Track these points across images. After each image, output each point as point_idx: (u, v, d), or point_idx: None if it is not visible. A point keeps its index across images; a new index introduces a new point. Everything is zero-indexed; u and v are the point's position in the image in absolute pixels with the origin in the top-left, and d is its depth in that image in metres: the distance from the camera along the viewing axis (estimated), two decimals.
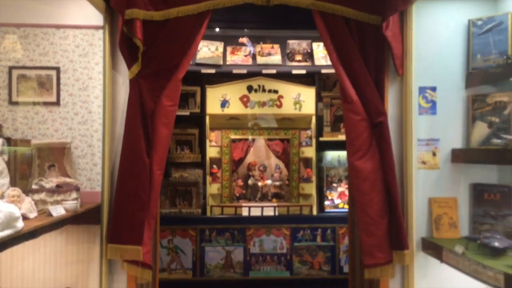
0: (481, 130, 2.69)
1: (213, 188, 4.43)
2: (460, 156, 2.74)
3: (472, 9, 2.80)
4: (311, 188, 4.40)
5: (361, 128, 2.68)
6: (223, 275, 4.17)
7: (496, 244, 2.28)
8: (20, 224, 1.86)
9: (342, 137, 4.10)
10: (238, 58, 4.45)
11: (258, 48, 4.51)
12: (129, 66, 2.66)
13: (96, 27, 2.80)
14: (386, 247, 2.67)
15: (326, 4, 2.66)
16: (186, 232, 4.17)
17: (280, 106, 4.35)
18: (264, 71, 4.36)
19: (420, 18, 2.75)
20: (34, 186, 2.44)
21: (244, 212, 4.27)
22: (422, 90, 2.80)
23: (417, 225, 2.75)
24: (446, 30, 2.81)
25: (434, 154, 2.80)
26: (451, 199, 2.78)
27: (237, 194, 4.58)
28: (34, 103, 2.80)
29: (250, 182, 4.62)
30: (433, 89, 2.81)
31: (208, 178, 4.41)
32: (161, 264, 4.08)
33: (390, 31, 2.65)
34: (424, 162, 2.80)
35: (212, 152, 4.48)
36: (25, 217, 2.07)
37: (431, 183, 2.80)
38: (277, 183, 4.62)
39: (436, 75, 2.80)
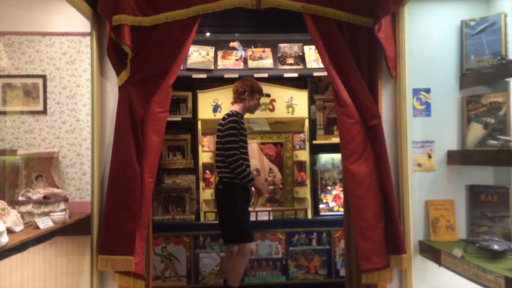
0: (476, 131, 2.66)
1: (206, 194, 4.37)
2: (456, 158, 2.71)
3: (465, 10, 2.78)
4: (305, 192, 4.36)
5: (355, 132, 2.65)
6: (218, 282, 4.10)
7: (496, 246, 2.25)
8: (4, 239, 1.80)
9: (335, 139, 4.07)
10: (229, 62, 4.41)
11: (250, 52, 4.46)
12: (118, 73, 2.61)
13: (83, 34, 2.74)
14: (383, 251, 2.64)
15: (317, 7, 2.63)
16: (180, 239, 4.10)
17: (272, 110, 4.31)
18: (255, 75, 4.30)
19: (412, 19, 2.72)
20: (20, 198, 2.37)
21: None
22: (416, 92, 2.77)
23: (414, 228, 2.72)
24: (439, 31, 2.79)
25: (429, 156, 2.77)
26: (447, 201, 2.75)
27: None
28: (21, 112, 2.73)
29: None
30: (427, 90, 2.78)
31: (201, 184, 4.35)
32: (155, 272, 4.02)
33: (382, 33, 2.62)
34: (419, 165, 2.77)
35: (204, 157, 4.43)
36: (10, 231, 2.01)
37: (427, 186, 2.77)
38: (271, 187, 4.57)
39: (429, 76, 2.77)
